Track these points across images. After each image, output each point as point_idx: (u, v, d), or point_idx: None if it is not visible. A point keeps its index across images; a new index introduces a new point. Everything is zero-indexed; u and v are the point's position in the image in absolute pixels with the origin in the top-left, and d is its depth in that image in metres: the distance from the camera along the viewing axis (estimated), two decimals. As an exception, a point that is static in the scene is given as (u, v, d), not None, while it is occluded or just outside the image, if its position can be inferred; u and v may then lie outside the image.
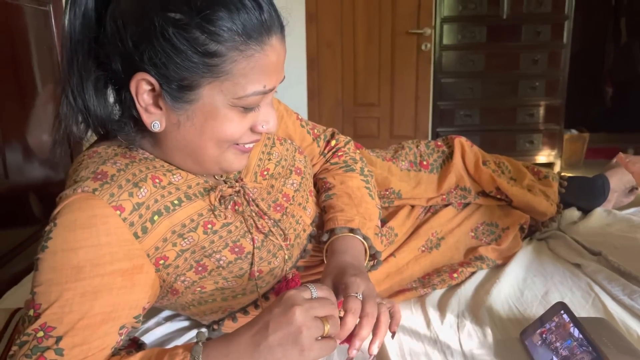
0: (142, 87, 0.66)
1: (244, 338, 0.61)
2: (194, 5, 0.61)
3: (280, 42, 0.68)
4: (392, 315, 0.73)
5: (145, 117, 0.68)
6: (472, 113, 3.46)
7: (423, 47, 3.33)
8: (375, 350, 0.68)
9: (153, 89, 0.66)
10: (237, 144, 0.72)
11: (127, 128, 0.71)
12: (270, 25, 0.65)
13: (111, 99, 0.71)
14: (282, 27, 0.68)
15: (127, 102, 0.69)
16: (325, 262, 0.87)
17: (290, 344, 0.59)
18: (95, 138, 0.77)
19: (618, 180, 1.38)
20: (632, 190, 1.42)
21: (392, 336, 0.74)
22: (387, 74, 3.43)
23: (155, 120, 0.68)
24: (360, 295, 0.70)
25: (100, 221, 0.65)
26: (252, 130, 0.72)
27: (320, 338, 0.62)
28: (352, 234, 0.89)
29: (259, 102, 0.69)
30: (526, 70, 3.37)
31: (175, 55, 0.63)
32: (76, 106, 0.68)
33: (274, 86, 0.69)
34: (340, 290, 0.74)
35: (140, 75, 0.65)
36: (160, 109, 0.67)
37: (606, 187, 1.36)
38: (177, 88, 0.65)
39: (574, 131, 3.63)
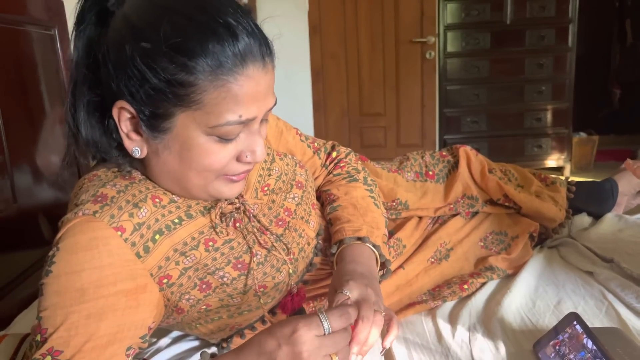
0: (123, 115, 0.67)
1: None
2: (164, 34, 0.61)
3: (260, 71, 0.65)
4: (388, 327, 0.71)
5: (127, 143, 0.68)
6: (479, 119, 3.45)
7: (427, 55, 3.33)
8: (355, 349, 0.65)
9: (133, 117, 0.67)
10: (226, 175, 0.71)
11: (114, 152, 0.72)
12: (244, 54, 0.63)
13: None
14: (263, 56, 0.65)
15: (111, 128, 0.69)
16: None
17: None
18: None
19: (627, 183, 1.36)
20: None
21: (382, 351, 0.73)
22: (392, 83, 3.43)
23: (136, 147, 0.69)
24: (347, 292, 0.70)
25: (101, 243, 0.65)
26: (238, 160, 0.70)
27: None
28: (360, 242, 0.88)
29: (238, 132, 0.67)
30: (532, 74, 3.35)
31: (145, 84, 0.63)
32: (74, 129, 0.70)
33: (254, 116, 0.67)
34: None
35: (120, 104, 0.65)
36: (141, 135, 0.68)
37: (615, 191, 1.34)
38: (151, 116, 0.65)
39: (582, 134, 3.59)
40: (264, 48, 0.66)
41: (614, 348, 0.74)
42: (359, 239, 0.88)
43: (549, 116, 3.41)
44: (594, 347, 0.73)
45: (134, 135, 0.68)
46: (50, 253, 0.66)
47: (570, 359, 0.75)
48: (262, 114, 0.69)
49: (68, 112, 0.70)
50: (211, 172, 0.69)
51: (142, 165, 0.74)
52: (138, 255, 0.68)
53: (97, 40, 0.68)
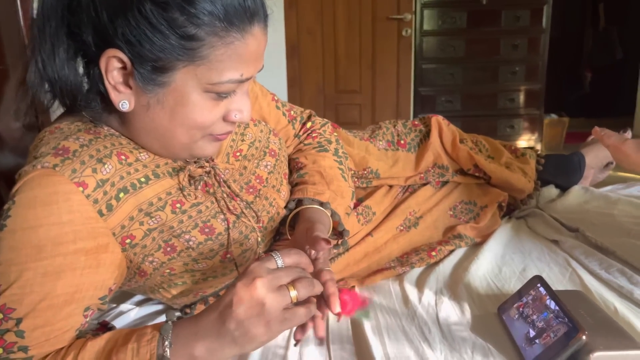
0: (113, 64, 0.62)
1: (211, 315, 0.60)
2: None
3: (262, 31, 0.65)
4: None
5: (114, 96, 0.64)
6: (454, 99, 3.46)
7: (404, 33, 3.31)
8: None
9: (124, 67, 0.63)
10: (212, 134, 0.70)
11: (94, 104, 0.68)
12: (253, 12, 0.63)
13: (81, 70, 0.67)
14: (265, 16, 0.66)
15: (95, 77, 0.65)
16: (292, 231, 0.86)
17: (254, 318, 0.57)
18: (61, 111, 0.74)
19: (594, 156, 1.39)
20: (607, 165, 1.43)
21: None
22: (368, 61, 3.41)
23: (123, 100, 0.65)
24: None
25: (62, 198, 0.62)
26: (225, 119, 0.69)
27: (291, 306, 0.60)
28: (320, 208, 0.87)
29: (234, 89, 0.67)
30: (506, 55, 3.37)
31: (151, 34, 0.59)
32: (45, 74, 0.65)
33: (251, 75, 0.67)
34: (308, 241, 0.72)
35: (112, 52, 0.61)
36: (130, 88, 0.64)
37: (582, 164, 1.37)
38: (150, 69, 0.62)
39: (553, 116, 3.65)
40: (264, 8, 0.66)
41: (576, 309, 0.75)
42: (320, 204, 0.88)
43: (521, 97, 3.45)
44: (557, 308, 0.74)
45: (121, 88, 0.64)
46: (6, 206, 0.63)
47: (533, 319, 0.76)
48: (255, 74, 0.68)
49: (41, 58, 0.64)
50: (199, 129, 0.67)
51: (117, 119, 0.70)
52: (100, 213, 0.65)
53: None
